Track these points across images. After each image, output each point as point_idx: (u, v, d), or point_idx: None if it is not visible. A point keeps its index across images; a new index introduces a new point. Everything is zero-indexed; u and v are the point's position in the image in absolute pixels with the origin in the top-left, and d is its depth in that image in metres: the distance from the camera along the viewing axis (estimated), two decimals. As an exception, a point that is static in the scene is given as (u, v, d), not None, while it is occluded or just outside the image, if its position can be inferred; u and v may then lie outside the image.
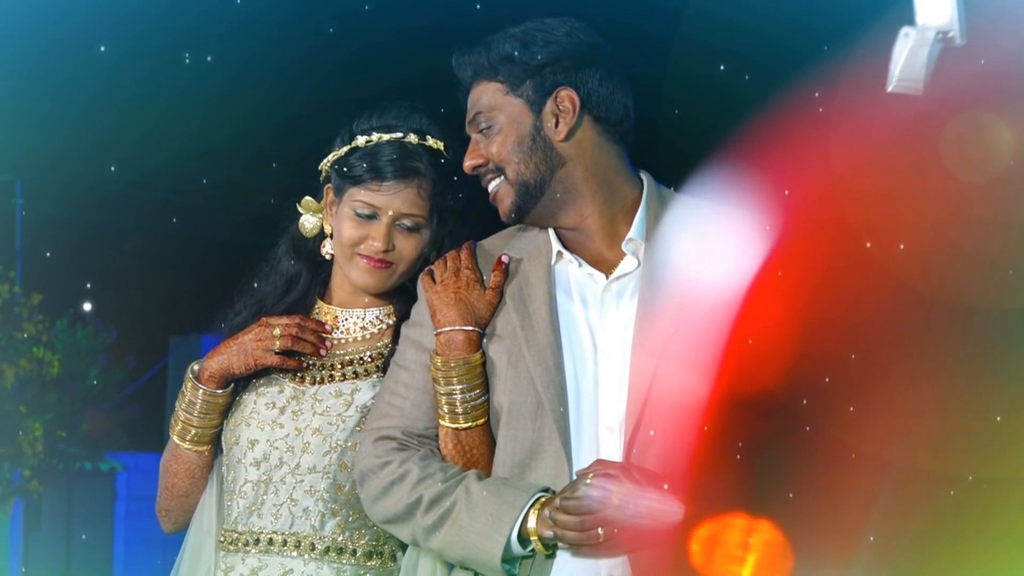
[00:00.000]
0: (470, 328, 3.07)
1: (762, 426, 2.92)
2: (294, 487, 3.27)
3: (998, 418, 2.96)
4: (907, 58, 2.18)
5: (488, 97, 3.09)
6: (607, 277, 3.05)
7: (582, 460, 2.95)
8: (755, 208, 3.01)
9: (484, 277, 3.14)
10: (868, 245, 2.91)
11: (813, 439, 2.99)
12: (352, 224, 3.31)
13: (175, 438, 3.38)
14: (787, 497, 2.94)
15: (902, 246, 2.92)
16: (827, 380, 2.96)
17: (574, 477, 2.93)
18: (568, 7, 3.19)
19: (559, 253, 3.09)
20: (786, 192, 2.98)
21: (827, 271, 2.97)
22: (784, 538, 2.94)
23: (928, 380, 2.99)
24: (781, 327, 2.91)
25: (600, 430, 2.98)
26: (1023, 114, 2.78)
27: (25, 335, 10.34)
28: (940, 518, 3.03)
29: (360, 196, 3.31)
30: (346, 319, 3.41)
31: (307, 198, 3.47)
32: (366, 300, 3.41)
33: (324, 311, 3.43)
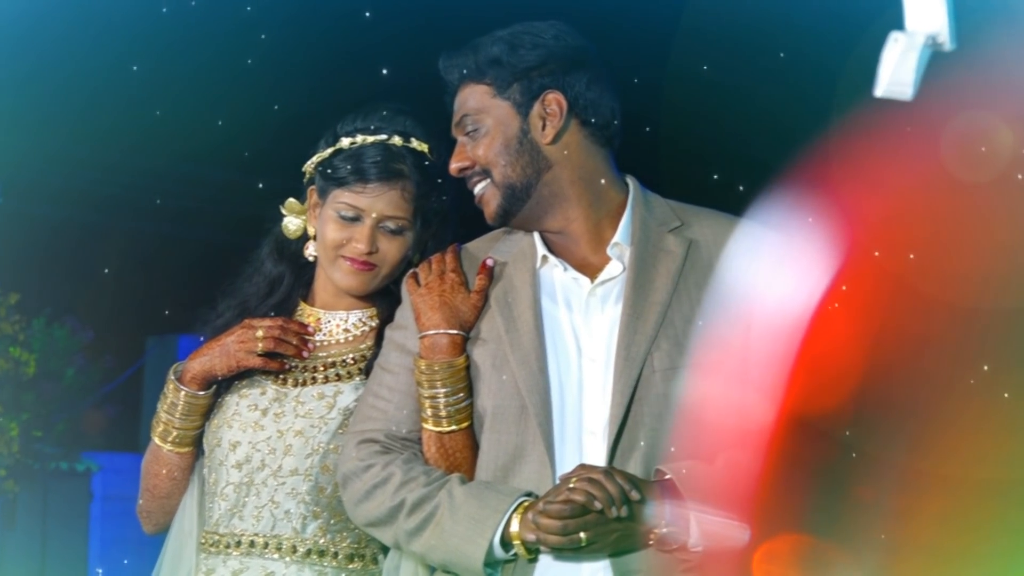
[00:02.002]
0: (454, 331, 3.07)
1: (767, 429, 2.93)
2: (276, 489, 3.26)
3: None
4: (896, 63, 2.18)
5: (475, 100, 3.09)
6: (592, 281, 3.05)
7: (565, 464, 2.95)
8: (779, 225, 3.02)
9: (469, 280, 3.13)
10: (912, 256, 2.92)
11: (843, 452, 3.00)
12: (335, 226, 3.30)
13: (156, 439, 3.37)
14: (806, 509, 2.96)
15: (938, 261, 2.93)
16: (846, 391, 2.97)
17: (557, 481, 2.92)
18: (569, 8, 3.19)
19: (544, 257, 3.08)
20: (824, 213, 2.99)
21: (866, 288, 2.98)
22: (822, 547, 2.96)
23: (984, 392, 3.00)
24: (789, 338, 2.92)
25: (584, 434, 2.97)
26: None
27: (1, 335, 10.29)
28: (1012, 529, 3.04)
29: (344, 198, 3.30)
30: (329, 321, 3.40)
31: (290, 200, 3.46)
32: (349, 302, 3.40)
33: (307, 313, 3.42)
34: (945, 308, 2.98)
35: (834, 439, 2.99)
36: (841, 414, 3.00)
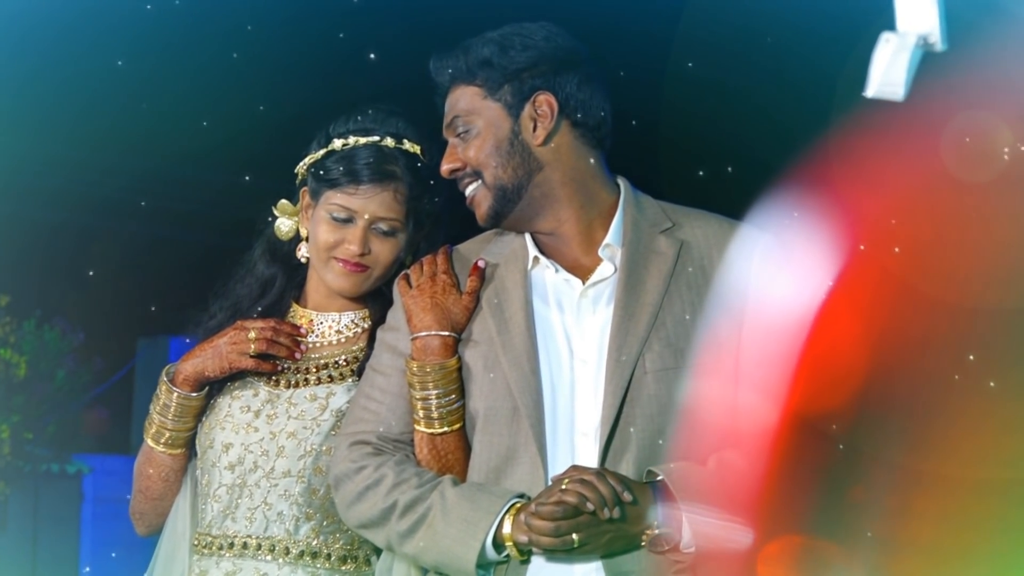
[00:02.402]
0: (446, 333, 3.06)
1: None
2: (268, 491, 3.25)
3: None
4: (888, 63, 2.18)
5: (466, 101, 3.08)
6: (583, 283, 3.05)
7: (557, 466, 2.95)
8: (776, 228, 3.03)
9: (460, 282, 3.13)
10: (897, 250, 2.91)
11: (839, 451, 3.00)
12: (328, 228, 3.30)
13: (149, 441, 3.37)
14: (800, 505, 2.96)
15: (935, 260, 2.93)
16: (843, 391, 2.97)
17: (549, 483, 2.92)
18: (567, 7, 3.19)
19: (535, 258, 3.08)
20: (821, 213, 2.99)
21: (858, 288, 2.98)
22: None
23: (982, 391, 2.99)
24: (783, 339, 2.92)
25: (576, 436, 2.97)
26: None
27: (-9, 337, 10.28)
28: (1013, 529, 3.03)
29: (336, 199, 3.30)
30: (321, 323, 3.40)
31: (283, 201, 3.46)
32: (341, 304, 3.40)
33: (299, 314, 3.42)
34: (946, 308, 2.98)
35: (835, 440, 2.99)
36: (843, 415, 3.00)
